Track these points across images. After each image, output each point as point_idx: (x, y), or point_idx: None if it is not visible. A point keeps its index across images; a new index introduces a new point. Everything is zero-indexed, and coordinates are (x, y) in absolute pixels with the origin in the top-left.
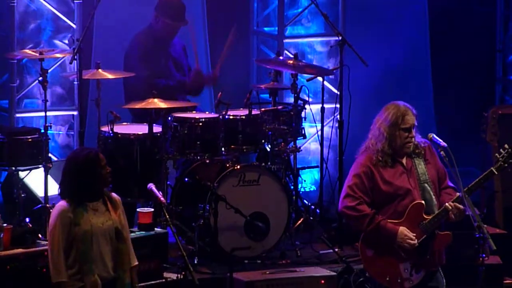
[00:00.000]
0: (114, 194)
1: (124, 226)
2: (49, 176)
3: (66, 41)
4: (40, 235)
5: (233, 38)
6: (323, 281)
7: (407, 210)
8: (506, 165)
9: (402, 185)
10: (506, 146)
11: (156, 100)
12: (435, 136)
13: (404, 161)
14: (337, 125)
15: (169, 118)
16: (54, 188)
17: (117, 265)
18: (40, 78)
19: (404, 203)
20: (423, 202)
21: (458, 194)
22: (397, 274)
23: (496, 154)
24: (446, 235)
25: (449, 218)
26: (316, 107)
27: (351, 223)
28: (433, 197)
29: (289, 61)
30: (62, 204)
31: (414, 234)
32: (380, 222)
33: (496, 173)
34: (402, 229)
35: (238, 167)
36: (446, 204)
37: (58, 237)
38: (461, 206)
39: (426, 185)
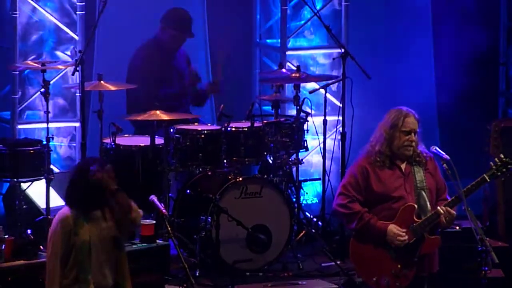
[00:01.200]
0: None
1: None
2: (51, 188)
3: (68, 53)
4: (41, 247)
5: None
6: None
7: (398, 212)
8: (499, 173)
9: (397, 188)
10: (501, 155)
11: (158, 112)
12: (437, 148)
13: (403, 166)
14: (339, 137)
15: (171, 130)
16: (55, 200)
17: (117, 273)
18: (42, 90)
19: (396, 206)
20: (415, 205)
21: (448, 199)
22: (384, 276)
23: (491, 163)
24: (436, 239)
25: (440, 222)
26: (318, 120)
27: (342, 221)
28: (428, 203)
29: (293, 74)
30: (64, 211)
31: (404, 230)
32: (369, 220)
33: (488, 180)
34: (392, 227)
35: (240, 179)
36: (438, 207)
37: (58, 244)
38: (452, 211)
39: (422, 192)
